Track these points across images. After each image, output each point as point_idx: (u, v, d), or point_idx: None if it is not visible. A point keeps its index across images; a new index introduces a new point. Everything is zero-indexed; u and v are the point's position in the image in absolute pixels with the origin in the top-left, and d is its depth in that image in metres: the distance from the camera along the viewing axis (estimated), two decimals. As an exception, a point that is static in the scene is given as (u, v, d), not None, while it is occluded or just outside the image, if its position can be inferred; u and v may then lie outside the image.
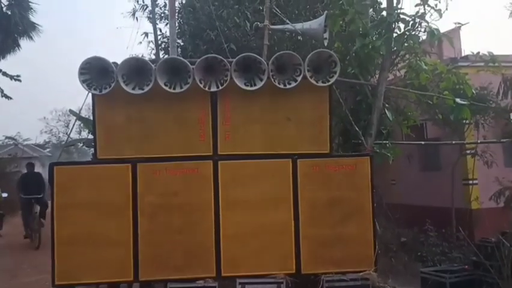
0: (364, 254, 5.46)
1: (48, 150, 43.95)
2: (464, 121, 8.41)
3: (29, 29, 20.15)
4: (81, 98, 5.70)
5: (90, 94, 5.30)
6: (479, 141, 8.18)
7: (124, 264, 5.22)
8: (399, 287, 7.19)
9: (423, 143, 7.46)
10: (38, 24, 20.53)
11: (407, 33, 5.58)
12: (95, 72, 5.19)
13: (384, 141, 6.24)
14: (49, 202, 5.44)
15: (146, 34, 12.37)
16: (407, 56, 6.51)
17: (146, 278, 5.27)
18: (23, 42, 20.72)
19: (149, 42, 12.33)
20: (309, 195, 5.44)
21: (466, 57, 9.56)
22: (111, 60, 5.19)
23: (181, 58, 5.21)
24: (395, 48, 5.74)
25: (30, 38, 20.52)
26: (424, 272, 7.03)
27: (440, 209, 10.09)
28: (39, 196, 12.36)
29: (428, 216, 9.46)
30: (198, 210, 5.35)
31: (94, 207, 5.25)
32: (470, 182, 9.72)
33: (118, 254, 5.23)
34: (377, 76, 6.47)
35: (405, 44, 5.78)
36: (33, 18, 20.18)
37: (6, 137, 38.26)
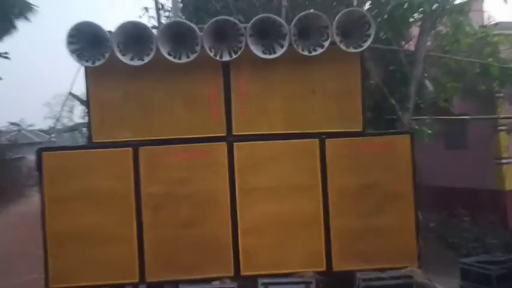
0: (405, 247, 4.75)
1: (53, 135, 43.44)
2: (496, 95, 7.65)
3: (24, 10, 19.55)
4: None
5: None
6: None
7: (128, 264, 4.56)
8: (434, 279, 6.51)
9: (468, 117, 6.67)
10: (33, 5, 19.89)
11: (455, -13, 4.76)
12: (86, 41, 4.44)
13: (423, 117, 5.45)
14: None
15: (147, 9, 11.51)
16: (447, 17, 5.66)
17: (154, 279, 4.58)
18: (21, 24, 20.14)
19: (149, 18, 11.46)
20: (340, 181, 4.71)
21: (496, 25, 8.68)
22: (107, 30, 4.43)
23: (187, 22, 4.42)
24: (435, 6, 4.88)
25: (27, 19, 19.90)
26: (465, 263, 6.29)
27: (468, 190, 9.36)
28: None
29: (454, 199, 8.76)
30: (211, 200, 4.64)
31: (91, 199, 4.57)
32: (504, 161, 8.94)
33: (120, 252, 4.56)
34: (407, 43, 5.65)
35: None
36: (28, -1, 19.63)
37: (11, 123, 37.87)
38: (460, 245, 8.24)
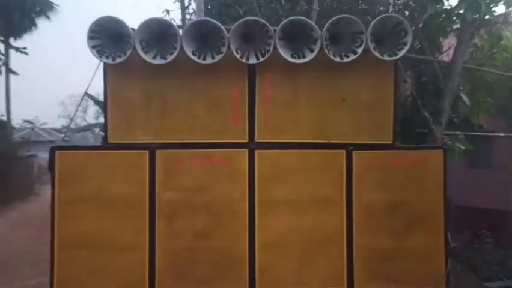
0: (433, 270, 4.45)
1: (65, 134, 43.64)
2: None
3: (45, 8, 19.56)
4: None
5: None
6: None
7: (138, 274, 4.31)
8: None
9: (502, 135, 6.35)
10: (54, 4, 19.90)
11: (501, -5, 4.46)
12: (108, 37, 4.23)
13: (456, 132, 5.15)
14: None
15: (168, 11, 11.39)
16: (487, 28, 5.37)
17: (164, 291, 4.32)
18: (41, 22, 20.15)
19: (171, 20, 11.36)
20: (366, 196, 4.44)
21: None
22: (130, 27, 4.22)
23: (214, 21, 4.19)
24: (477, 15, 4.57)
25: (47, 17, 19.92)
26: (489, 287, 5.97)
27: (492, 211, 9.02)
28: None
29: (477, 219, 8.41)
30: (228, 210, 4.38)
31: (103, 203, 4.33)
32: (530, 182, 8.58)
33: (130, 261, 4.32)
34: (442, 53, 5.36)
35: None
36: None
37: (25, 120, 38.12)
38: (481, 267, 7.86)
